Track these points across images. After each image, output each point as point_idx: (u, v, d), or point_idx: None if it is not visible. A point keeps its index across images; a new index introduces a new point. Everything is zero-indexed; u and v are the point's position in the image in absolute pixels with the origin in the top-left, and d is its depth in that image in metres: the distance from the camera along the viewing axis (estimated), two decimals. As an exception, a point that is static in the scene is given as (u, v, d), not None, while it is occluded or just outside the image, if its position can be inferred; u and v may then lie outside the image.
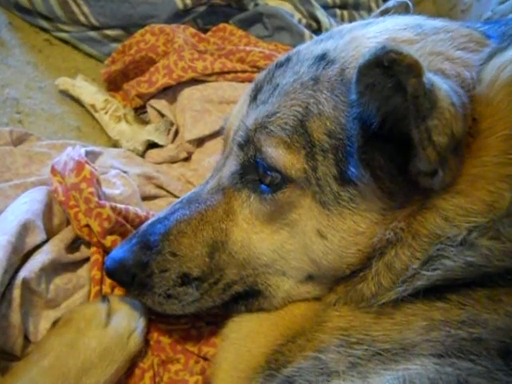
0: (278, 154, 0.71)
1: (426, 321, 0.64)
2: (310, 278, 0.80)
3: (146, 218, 0.97)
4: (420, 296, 0.66)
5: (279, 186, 0.74)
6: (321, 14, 1.80)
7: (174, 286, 0.81)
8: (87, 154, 1.10)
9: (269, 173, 0.74)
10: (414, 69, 0.55)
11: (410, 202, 0.68)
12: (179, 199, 0.87)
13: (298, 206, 0.75)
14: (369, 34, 0.74)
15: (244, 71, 1.47)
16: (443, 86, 0.58)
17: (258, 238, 0.79)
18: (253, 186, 0.78)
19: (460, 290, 0.64)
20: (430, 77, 0.57)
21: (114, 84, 1.52)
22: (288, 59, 0.79)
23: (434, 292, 0.66)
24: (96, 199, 0.92)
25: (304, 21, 1.79)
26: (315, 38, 0.84)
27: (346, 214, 0.71)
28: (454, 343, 0.59)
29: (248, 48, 1.50)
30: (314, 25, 1.82)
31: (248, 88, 0.83)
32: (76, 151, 1.02)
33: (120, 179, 1.08)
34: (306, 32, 1.69)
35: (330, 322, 0.74)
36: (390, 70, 0.56)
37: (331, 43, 0.76)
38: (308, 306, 0.82)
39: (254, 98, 0.79)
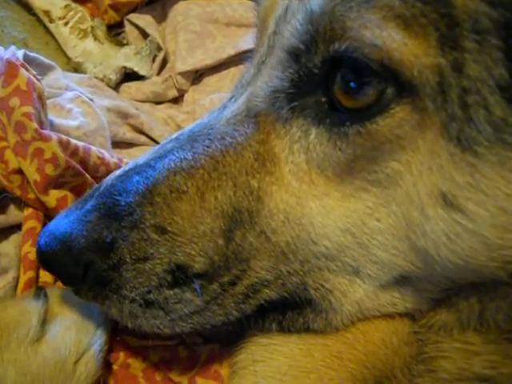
0: (386, 39, 0.49)
1: None
2: (402, 280, 0.61)
3: (118, 168, 0.80)
4: None
5: (378, 107, 0.51)
6: None
7: (159, 286, 0.62)
8: (29, 60, 0.89)
9: (363, 81, 0.51)
10: None
11: None
12: (173, 135, 0.68)
13: (409, 146, 0.53)
14: None
15: (263, -14, 1.31)
16: None
17: (318, 207, 0.59)
18: (315, 114, 0.57)
19: None
20: None
21: (79, -9, 1.36)
22: None
23: None
24: (35, 125, 0.72)
25: None
26: None
27: None
28: None
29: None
30: None
31: None
32: (9, 51, 0.80)
33: (80, 105, 0.88)
34: None
35: (444, 360, 0.57)
36: None
37: None
38: (392, 327, 0.63)
39: None
